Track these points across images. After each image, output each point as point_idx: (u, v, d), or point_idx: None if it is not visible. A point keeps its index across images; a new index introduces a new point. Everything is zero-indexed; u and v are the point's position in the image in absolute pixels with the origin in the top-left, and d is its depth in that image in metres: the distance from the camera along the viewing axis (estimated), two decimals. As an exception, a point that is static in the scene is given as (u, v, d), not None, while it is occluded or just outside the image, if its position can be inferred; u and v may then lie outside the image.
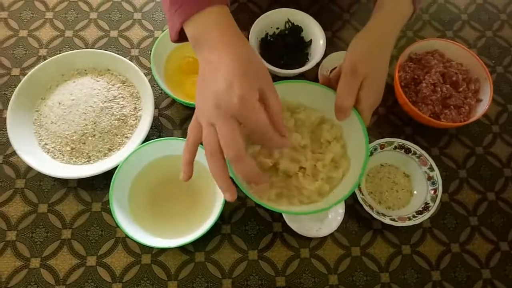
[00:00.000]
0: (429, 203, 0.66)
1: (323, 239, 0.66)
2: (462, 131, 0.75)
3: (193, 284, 0.63)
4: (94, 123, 0.66)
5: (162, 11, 0.82)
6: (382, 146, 0.69)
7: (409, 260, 0.66)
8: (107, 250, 0.64)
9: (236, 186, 0.46)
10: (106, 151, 0.67)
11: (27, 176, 0.68)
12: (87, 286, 0.62)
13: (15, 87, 0.68)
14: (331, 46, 0.79)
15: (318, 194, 0.51)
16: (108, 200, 0.60)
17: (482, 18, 0.86)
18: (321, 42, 0.72)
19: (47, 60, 0.70)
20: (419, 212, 0.66)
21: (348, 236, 0.67)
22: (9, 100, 0.67)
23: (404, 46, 0.80)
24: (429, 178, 0.68)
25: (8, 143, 0.68)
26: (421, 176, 0.69)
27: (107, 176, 0.64)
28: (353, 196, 0.67)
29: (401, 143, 0.69)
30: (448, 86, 0.71)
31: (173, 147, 0.65)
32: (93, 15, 0.81)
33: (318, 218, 0.66)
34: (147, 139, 0.66)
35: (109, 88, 0.70)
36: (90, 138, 0.66)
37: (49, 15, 0.80)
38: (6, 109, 0.67)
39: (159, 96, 0.75)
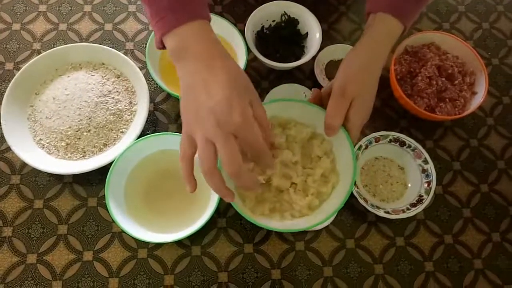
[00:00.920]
0: (423, 196, 0.66)
1: (318, 232, 0.67)
2: (457, 123, 0.76)
3: (189, 277, 0.64)
4: (89, 118, 0.66)
5: (156, 3, 0.81)
6: (377, 140, 0.69)
7: (403, 252, 0.67)
8: (103, 245, 0.64)
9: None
10: (101, 146, 0.67)
11: (22, 172, 0.68)
12: (84, 281, 0.62)
13: (9, 82, 0.67)
14: (327, 38, 0.78)
15: (309, 209, 0.54)
16: (104, 195, 0.61)
17: (479, 10, 0.85)
18: (317, 35, 0.72)
19: (41, 55, 0.69)
20: (413, 205, 0.66)
21: (343, 229, 0.68)
22: (3, 95, 0.66)
23: (401, 38, 0.79)
24: (423, 170, 0.68)
25: (2, 139, 0.68)
26: (415, 169, 0.69)
27: (102, 171, 0.64)
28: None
29: (396, 136, 0.69)
30: (443, 79, 0.71)
31: (168, 141, 0.65)
32: (88, 8, 0.80)
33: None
34: (142, 133, 0.66)
35: (104, 82, 0.70)
36: (85, 133, 0.66)
37: (42, 8, 0.79)
38: (0, 104, 0.67)
39: (154, 90, 0.74)
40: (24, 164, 0.68)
